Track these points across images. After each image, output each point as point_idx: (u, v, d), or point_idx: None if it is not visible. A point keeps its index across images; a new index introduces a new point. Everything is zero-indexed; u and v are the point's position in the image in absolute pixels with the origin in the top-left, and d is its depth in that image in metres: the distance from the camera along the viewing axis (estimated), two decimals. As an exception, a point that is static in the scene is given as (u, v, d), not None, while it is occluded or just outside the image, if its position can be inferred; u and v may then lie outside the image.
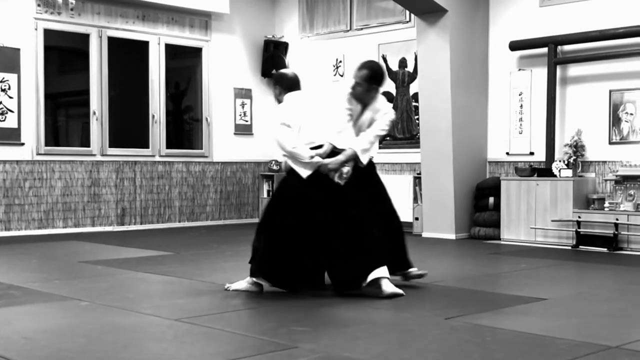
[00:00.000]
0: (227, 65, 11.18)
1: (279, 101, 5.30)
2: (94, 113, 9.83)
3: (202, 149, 10.97)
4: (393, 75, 10.13)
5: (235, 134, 11.28)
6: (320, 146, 5.04)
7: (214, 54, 11.05)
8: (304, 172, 4.98)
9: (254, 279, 5.11)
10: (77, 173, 9.71)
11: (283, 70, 5.47)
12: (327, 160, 4.97)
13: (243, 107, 11.34)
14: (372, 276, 4.91)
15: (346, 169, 4.94)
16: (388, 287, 4.91)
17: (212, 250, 7.79)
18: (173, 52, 10.71)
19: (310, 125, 5.07)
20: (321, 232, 4.96)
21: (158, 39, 10.43)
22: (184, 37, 10.72)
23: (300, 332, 4.04)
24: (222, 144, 11.13)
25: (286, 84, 5.27)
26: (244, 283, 5.17)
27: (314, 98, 5.32)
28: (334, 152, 5.07)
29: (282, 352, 3.54)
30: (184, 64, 11.26)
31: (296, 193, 5.01)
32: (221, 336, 3.89)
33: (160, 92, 10.46)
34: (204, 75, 10.99)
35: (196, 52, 10.94)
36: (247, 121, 11.39)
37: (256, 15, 11.52)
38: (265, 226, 5.08)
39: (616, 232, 7.66)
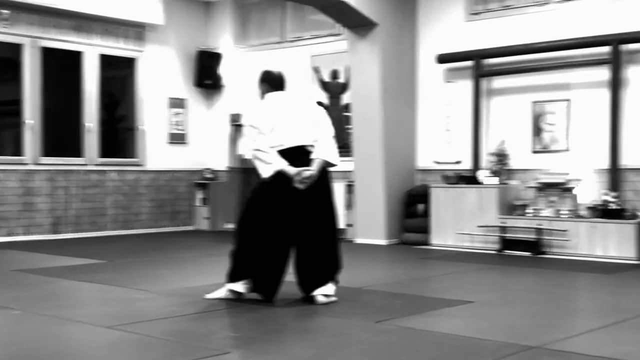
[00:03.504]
0: (161, 75, 11.19)
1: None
2: (27, 122, 9.72)
3: (136, 157, 10.95)
4: (326, 86, 10.31)
5: (169, 142, 11.30)
6: (290, 149, 4.99)
7: (148, 65, 11.04)
8: (266, 173, 4.96)
9: (231, 287, 5.12)
10: (10, 182, 9.59)
11: (269, 69, 5.30)
12: (292, 168, 4.93)
13: (177, 117, 11.37)
14: (317, 292, 5.05)
15: (308, 173, 4.93)
16: (322, 299, 5.06)
17: (145, 258, 7.80)
18: (107, 63, 10.65)
19: (283, 127, 4.99)
20: (288, 236, 5.04)
21: (92, 49, 10.38)
22: (118, 48, 10.69)
23: (233, 338, 4.13)
24: (156, 153, 11.13)
25: (272, 83, 5.18)
26: (222, 291, 5.18)
27: (293, 100, 5.19)
28: (296, 152, 5.02)
29: (213, 357, 3.62)
30: (118, 74, 11.20)
31: (268, 196, 5.03)
32: (153, 343, 3.94)
33: (95, 101, 10.41)
34: (138, 85, 10.98)
35: (130, 63, 10.91)
36: (181, 130, 11.42)
37: (190, 27, 11.56)
38: (243, 230, 5.11)
39: (538, 237, 7.98)
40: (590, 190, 8.10)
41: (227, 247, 5.36)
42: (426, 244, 8.94)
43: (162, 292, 5.54)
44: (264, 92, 5.21)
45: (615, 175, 7.95)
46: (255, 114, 5.07)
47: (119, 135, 11.25)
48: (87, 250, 8.44)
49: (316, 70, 10.37)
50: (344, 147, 10.00)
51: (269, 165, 4.95)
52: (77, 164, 10.27)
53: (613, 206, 7.65)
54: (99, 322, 4.43)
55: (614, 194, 7.74)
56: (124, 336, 4.08)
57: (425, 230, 9.01)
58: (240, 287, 5.08)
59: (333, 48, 10.22)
